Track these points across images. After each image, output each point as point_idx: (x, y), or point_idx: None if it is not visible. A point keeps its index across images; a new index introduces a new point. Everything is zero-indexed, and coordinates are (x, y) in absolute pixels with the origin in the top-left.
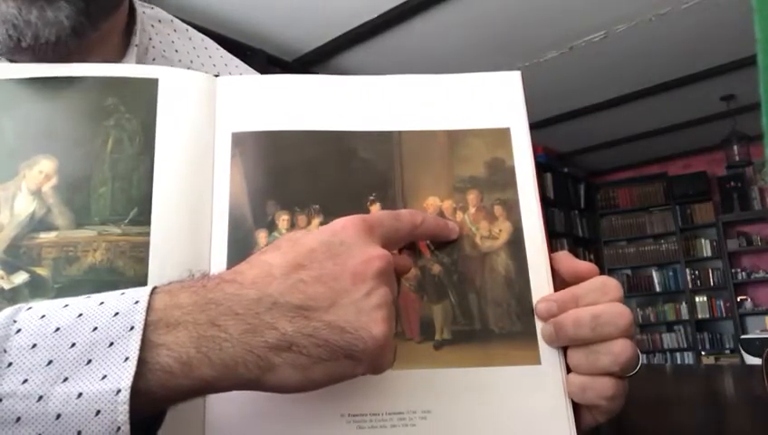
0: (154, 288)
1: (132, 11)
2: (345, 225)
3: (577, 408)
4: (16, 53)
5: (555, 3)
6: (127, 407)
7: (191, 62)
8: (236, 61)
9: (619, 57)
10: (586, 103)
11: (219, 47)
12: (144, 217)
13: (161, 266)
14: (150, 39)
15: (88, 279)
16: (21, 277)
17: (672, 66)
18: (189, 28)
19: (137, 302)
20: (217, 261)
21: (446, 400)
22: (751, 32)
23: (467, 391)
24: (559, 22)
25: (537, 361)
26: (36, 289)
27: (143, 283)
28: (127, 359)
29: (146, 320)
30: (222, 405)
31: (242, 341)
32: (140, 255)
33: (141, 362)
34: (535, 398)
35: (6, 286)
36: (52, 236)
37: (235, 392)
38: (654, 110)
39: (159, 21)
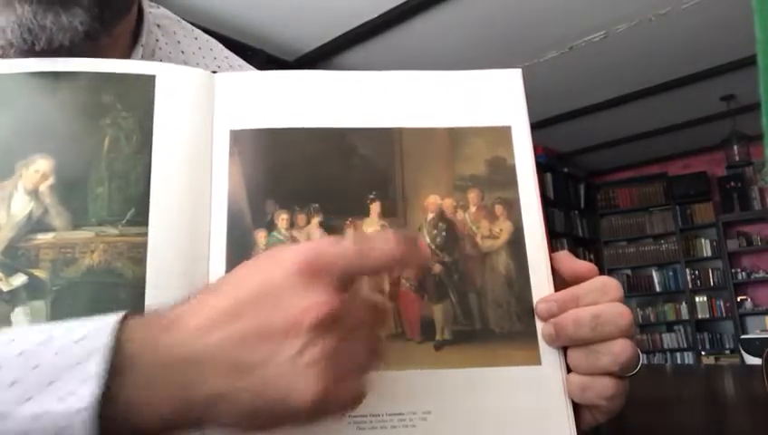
0: (121, 318)
1: (140, 12)
2: (285, 268)
3: (577, 408)
4: (29, 56)
5: (555, 3)
6: (86, 425)
7: (197, 63)
8: (240, 61)
9: (619, 57)
10: (586, 103)
11: (224, 48)
12: (142, 218)
13: (159, 267)
14: (157, 40)
15: (86, 281)
16: (19, 279)
17: (672, 66)
18: (195, 29)
19: (99, 331)
20: (216, 261)
21: (447, 400)
22: (751, 32)
23: (468, 392)
24: (559, 22)
25: (537, 361)
26: (34, 291)
27: (141, 284)
28: (86, 381)
29: (110, 345)
30: None
31: (175, 395)
32: (138, 256)
33: (104, 381)
34: (535, 398)
35: (5, 289)
36: (49, 237)
37: None
38: (654, 110)
39: (167, 20)
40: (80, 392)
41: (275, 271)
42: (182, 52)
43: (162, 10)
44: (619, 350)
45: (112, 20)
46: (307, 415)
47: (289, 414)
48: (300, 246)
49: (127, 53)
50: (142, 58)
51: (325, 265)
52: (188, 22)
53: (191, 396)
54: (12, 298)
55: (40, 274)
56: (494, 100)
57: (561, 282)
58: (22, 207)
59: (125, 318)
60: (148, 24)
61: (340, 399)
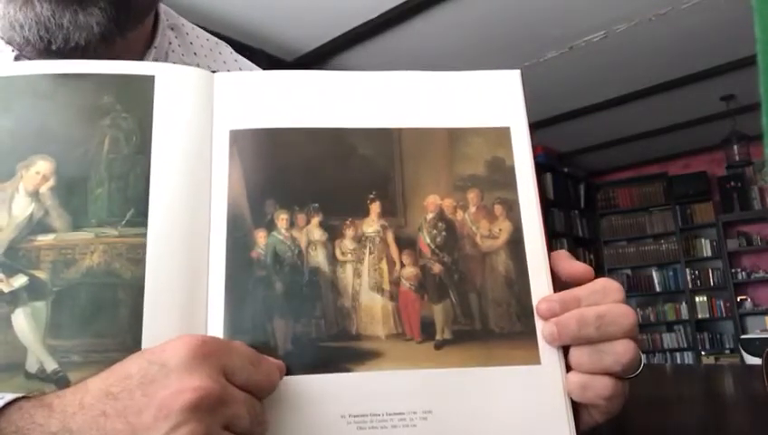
0: (2, 404)
1: (156, 16)
2: (175, 347)
3: (576, 408)
4: (45, 55)
5: (555, 3)
6: None
7: (208, 66)
8: (251, 64)
9: (619, 57)
10: (586, 103)
11: (233, 51)
12: (141, 219)
13: (158, 268)
14: (170, 43)
15: (86, 282)
16: (20, 280)
17: (672, 66)
18: (204, 31)
19: None
20: (216, 262)
21: (447, 400)
22: (751, 32)
23: (468, 391)
24: (559, 22)
25: (537, 361)
26: (35, 292)
27: (140, 285)
28: None
29: None
30: None
31: None
32: (138, 256)
33: None
34: (535, 397)
35: (6, 289)
36: (50, 238)
37: None
38: (654, 110)
39: (180, 21)
40: None
41: (163, 350)
42: (195, 54)
43: (172, 12)
44: (622, 350)
45: (128, 22)
46: None
47: None
48: (200, 334)
49: (140, 57)
50: (154, 60)
51: (216, 351)
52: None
53: None
54: (13, 299)
55: (40, 275)
56: (493, 100)
57: (557, 282)
58: (23, 208)
59: (9, 403)
60: (162, 28)
61: None
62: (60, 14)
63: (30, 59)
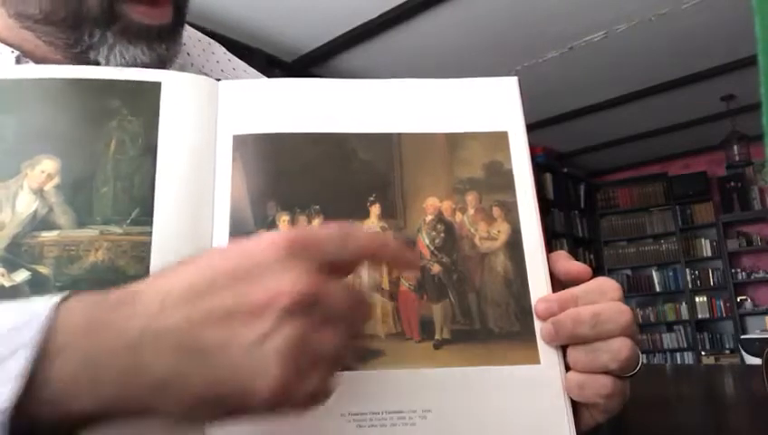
0: (58, 301)
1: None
2: (267, 244)
3: (576, 407)
4: (61, 50)
5: (555, 3)
6: (6, 426)
7: (202, 66)
8: (244, 64)
9: (619, 57)
10: (586, 103)
11: (226, 51)
12: (146, 218)
13: (162, 266)
14: (189, 54)
15: (89, 278)
16: (22, 275)
17: (672, 66)
18: (196, 31)
19: (31, 320)
20: None
21: (446, 399)
22: (751, 32)
23: (467, 391)
24: (559, 22)
25: (536, 360)
26: (37, 287)
27: None
28: (10, 379)
29: (37, 339)
30: None
31: (120, 381)
32: (142, 254)
33: (27, 381)
34: (535, 397)
35: (7, 284)
36: (53, 234)
37: None
38: (654, 110)
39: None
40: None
41: (257, 247)
42: (188, 54)
43: None
44: (619, 348)
45: (168, 59)
46: (264, 408)
47: (243, 406)
48: (285, 230)
49: None
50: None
51: (309, 244)
52: (187, 21)
53: (135, 382)
54: (14, 294)
55: (43, 270)
56: (491, 106)
57: (556, 283)
58: (27, 205)
59: (66, 299)
60: (184, 48)
61: (302, 394)
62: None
63: (33, 59)
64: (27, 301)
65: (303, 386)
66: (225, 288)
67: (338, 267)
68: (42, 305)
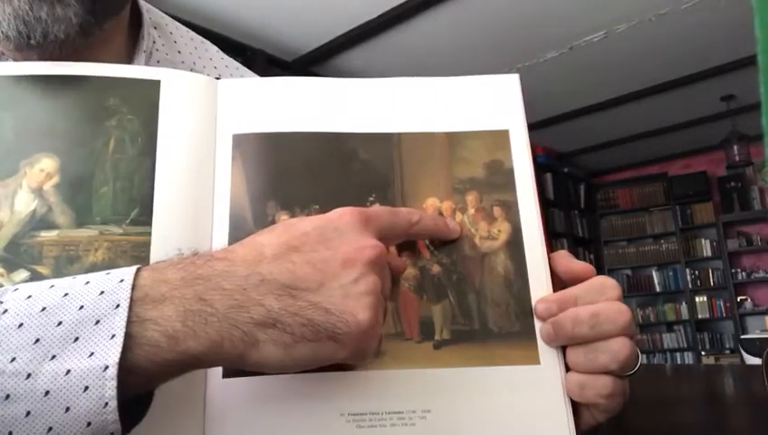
0: (139, 267)
1: (138, 14)
2: (342, 213)
3: (576, 407)
4: (25, 50)
5: (555, 3)
6: (114, 383)
7: (194, 63)
8: (237, 64)
9: (619, 57)
10: (586, 103)
11: (219, 50)
12: (145, 218)
13: None
14: (154, 42)
15: None
16: (21, 275)
17: (672, 66)
18: (189, 30)
19: (122, 280)
20: None
21: (446, 399)
22: (751, 32)
23: (467, 391)
24: (559, 22)
25: (536, 361)
26: None
27: None
28: (113, 336)
29: (131, 297)
30: (222, 403)
31: (228, 316)
32: (142, 254)
33: (128, 337)
34: (534, 397)
35: (6, 284)
36: (53, 234)
37: (234, 390)
38: (654, 110)
39: (163, 20)
40: (106, 348)
41: (333, 216)
42: (179, 52)
43: (155, 10)
44: (618, 348)
45: (105, 14)
46: (354, 343)
47: (332, 349)
48: (353, 207)
49: (124, 55)
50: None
51: (372, 216)
52: (187, 21)
53: (242, 318)
54: None
55: (43, 270)
56: (491, 104)
57: (558, 282)
58: (25, 204)
59: (140, 270)
60: (147, 28)
61: (378, 337)
62: (37, 6)
63: (10, 57)
64: (104, 274)
65: (380, 329)
66: (318, 243)
67: (387, 239)
68: (122, 273)
